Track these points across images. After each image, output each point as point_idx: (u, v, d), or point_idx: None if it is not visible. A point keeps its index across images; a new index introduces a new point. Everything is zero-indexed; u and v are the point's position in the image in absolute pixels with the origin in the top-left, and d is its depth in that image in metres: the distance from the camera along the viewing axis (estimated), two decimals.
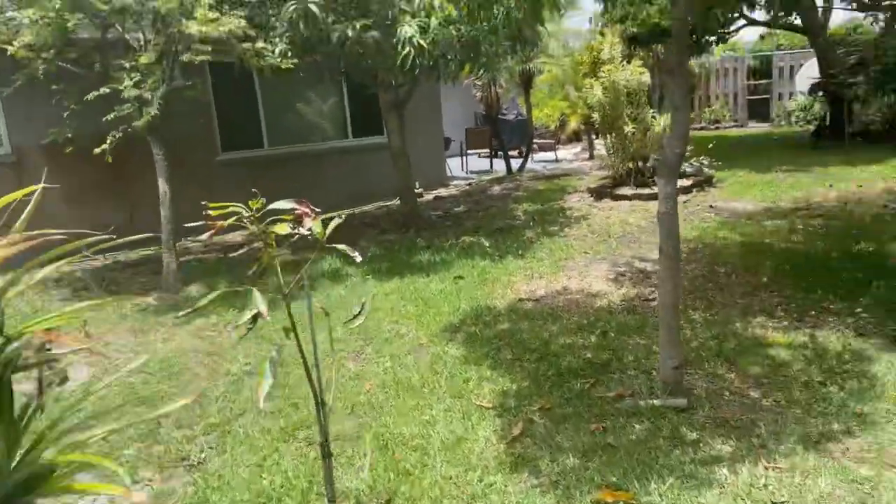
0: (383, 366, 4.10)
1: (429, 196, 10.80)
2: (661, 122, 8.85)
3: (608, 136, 9.37)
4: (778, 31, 19.65)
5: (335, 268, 6.51)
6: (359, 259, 2.01)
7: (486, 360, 4.01)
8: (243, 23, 5.68)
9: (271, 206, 2.01)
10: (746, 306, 4.63)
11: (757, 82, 19.90)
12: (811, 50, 15.78)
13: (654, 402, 3.27)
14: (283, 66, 6.08)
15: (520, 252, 6.63)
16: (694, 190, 9.01)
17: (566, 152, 16.11)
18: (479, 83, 13.09)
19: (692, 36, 14.01)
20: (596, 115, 9.32)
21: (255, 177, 9.71)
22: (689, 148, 9.70)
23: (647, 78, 9.14)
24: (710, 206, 8.06)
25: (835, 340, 3.88)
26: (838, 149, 12.07)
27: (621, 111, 8.92)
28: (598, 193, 9.27)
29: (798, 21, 14.13)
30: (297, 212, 1.99)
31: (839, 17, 19.11)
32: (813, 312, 4.39)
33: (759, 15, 14.48)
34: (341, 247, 2.02)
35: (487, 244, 7.08)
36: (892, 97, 11.92)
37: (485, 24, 6.77)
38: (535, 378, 3.71)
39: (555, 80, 14.72)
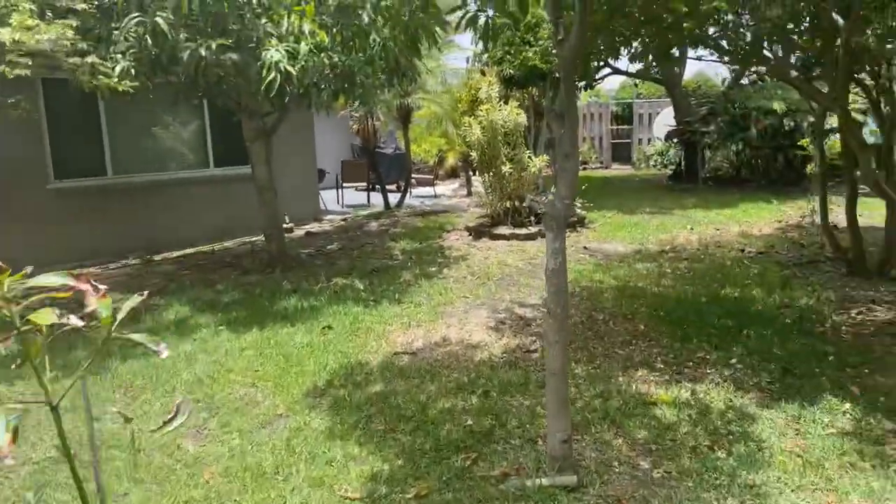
0: (230, 445, 3.43)
1: (300, 231, 10.11)
2: (538, 162, 8.90)
3: (486, 174, 9.28)
4: (638, 81, 21.17)
5: (182, 317, 5.69)
6: (164, 355, 1.44)
7: (354, 433, 3.48)
8: (70, 33, 4.83)
9: (33, 282, 1.40)
10: (627, 357, 4.49)
11: (620, 127, 21.22)
12: (668, 99, 17.06)
13: (543, 480, 2.92)
14: (119, 88, 5.25)
15: (396, 296, 6.19)
16: (567, 230, 9.10)
17: (444, 188, 16.05)
18: (356, 115, 12.69)
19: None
20: (474, 154, 9.21)
21: (96, 208, 8.59)
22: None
23: (523, 119, 9.19)
24: (585, 248, 8.13)
25: (716, 396, 3.78)
26: (693, 192, 12.95)
27: (499, 150, 8.87)
28: (477, 232, 9.11)
29: (657, 74, 15.18)
30: (74, 287, 1.40)
31: (691, 71, 20.94)
32: (691, 363, 4.32)
33: (622, 65, 15.40)
34: (137, 337, 1.45)
35: (362, 287, 6.57)
36: (739, 145, 13.03)
37: (360, 54, 6.40)
38: (411, 454, 3.24)
39: (433, 117, 14.64)
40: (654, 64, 12.68)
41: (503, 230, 8.91)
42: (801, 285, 5.95)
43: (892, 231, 5.95)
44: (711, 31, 6.07)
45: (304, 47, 5.77)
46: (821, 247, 7.47)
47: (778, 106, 11.19)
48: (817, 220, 9.08)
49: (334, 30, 6.03)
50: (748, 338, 4.67)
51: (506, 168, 8.84)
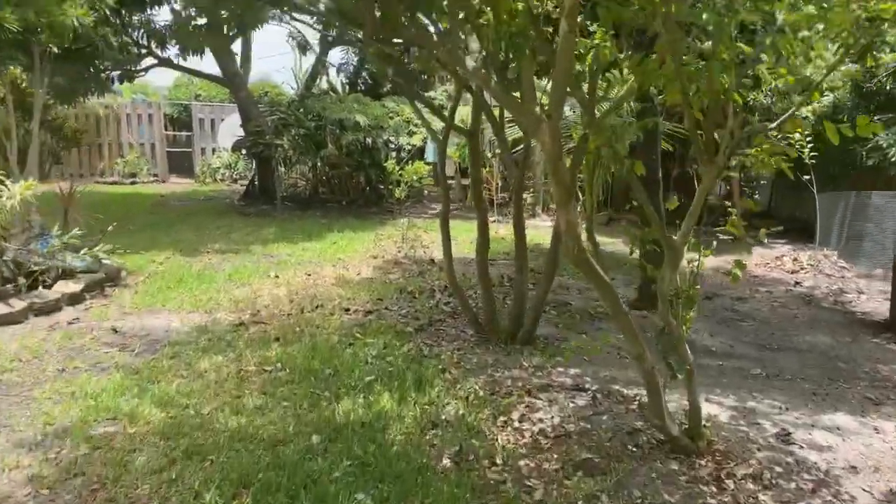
0: None
1: None
2: (17, 191, 5.27)
3: None
4: (195, 80, 18.10)
5: None
6: None
7: None
8: None
9: None
10: None
11: (177, 133, 17.80)
12: (233, 104, 14.60)
13: None
14: None
15: None
16: (88, 298, 5.72)
17: None
18: None
19: (91, 68, 10.62)
20: None
21: None
22: (78, 230, 6.35)
23: None
24: (114, 330, 4.99)
25: None
26: (270, 217, 10.82)
27: None
28: None
29: (217, 71, 12.53)
30: None
31: (258, 73, 18.87)
32: None
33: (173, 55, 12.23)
34: None
35: None
36: (316, 159, 11.46)
37: None
38: None
39: None
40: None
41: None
42: (435, 370, 4.23)
43: (521, 284, 4.74)
44: None
45: None
46: (431, 296, 6.11)
47: (361, 119, 9.90)
48: (414, 252, 7.96)
49: None
50: None
51: None
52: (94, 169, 16.34)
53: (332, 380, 4.04)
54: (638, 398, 3.85)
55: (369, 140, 11.60)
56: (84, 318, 5.27)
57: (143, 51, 11.64)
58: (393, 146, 12.55)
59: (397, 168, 9.12)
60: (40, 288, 5.43)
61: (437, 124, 6.02)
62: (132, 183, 15.82)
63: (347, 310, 5.63)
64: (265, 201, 12.06)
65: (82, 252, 5.90)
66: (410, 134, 10.17)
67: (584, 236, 3.25)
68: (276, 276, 6.74)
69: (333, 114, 10.12)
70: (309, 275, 6.88)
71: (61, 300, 5.42)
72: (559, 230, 4.48)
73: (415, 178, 8.75)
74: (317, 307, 5.66)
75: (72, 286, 5.60)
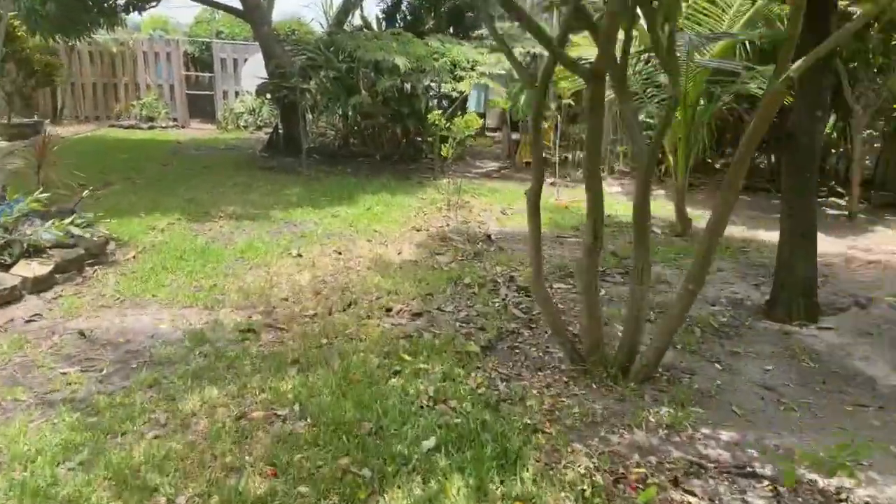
0: None
1: None
2: None
3: None
4: (217, 14, 16.55)
5: None
6: None
7: None
8: None
9: None
10: None
11: (198, 74, 16.39)
12: (256, 44, 13.10)
13: None
14: None
15: None
16: (60, 282, 4.47)
17: None
18: None
19: None
20: None
21: None
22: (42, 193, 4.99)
23: None
24: (82, 334, 3.75)
25: None
26: (295, 172, 9.46)
27: None
28: None
29: (237, 3, 10.99)
30: None
31: (285, 10, 17.20)
32: None
33: None
34: None
35: None
36: (346, 107, 9.97)
37: None
38: None
39: None
40: None
41: None
42: (523, 430, 2.88)
43: (640, 298, 3.32)
44: None
45: None
46: (494, 292, 4.74)
47: (401, 62, 8.32)
48: (466, 226, 6.56)
49: None
50: None
51: None
52: (111, 111, 15.12)
53: (373, 442, 2.73)
54: (844, 495, 2.48)
55: (408, 86, 10.05)
56: (48, 312, 4.03)
57: None
58: (433, 93, 10.99)
59: (443, 120, 7.63)
60: None
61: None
62: (150, 128, 14.56)
63: (389, 310, 4.29)
64: (289, 153, 10.68)
65: (51, 222, 4.63)
66: (458, 79, 8.62)
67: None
68: (299, 255, 5.42)
69: (368, 53, 8.54)
70: (339, 253, 5.55)
71: (22, 286, 4.19)
72: (721, 215, 3.05)
73: (466, 132, 7.25)
74: (349, 305, 4.34)
75: (37, 267, 4.36)
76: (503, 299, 4.56)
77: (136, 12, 10.56)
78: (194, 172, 9.07)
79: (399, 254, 5.64)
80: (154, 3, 10.72)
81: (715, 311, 4.52)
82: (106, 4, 9.63)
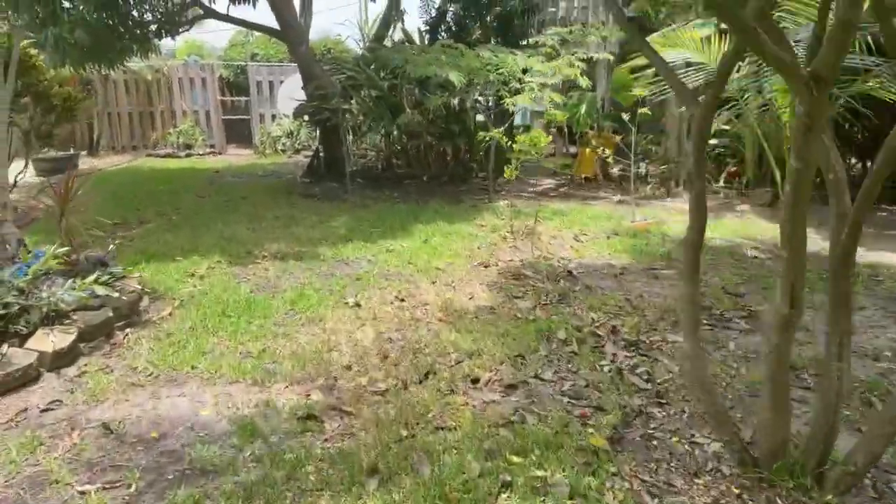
0: None
1: None
2: None
3: None
4: (251, 37, 16.19)
5: None
6: None
7: None
8: None
9: None
10: None
11: (234, 98, 16.02)
12: (293, 65, 12.59)
13: None
14: None
15: None
16: (86, 353, 3.79)
17: None
18: None
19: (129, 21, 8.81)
20: None
21: None
22: (61, 247, 4.27)
23: None
24: (107, 428, 3.03)
25: None
26: (339, 199, 8.78)
27: None
28: None
29: (275, 23, 10.44)
30: None
31: (316, 29, 16.79)
32: None
33: (221, 7, 10.24)
34: None
35: None
36: (391, 127, 9.29)
37: None
38: None
39: None
40: None
41: None
42: None
43: (838, 369, 2.44)
44: None
45: None
46: (599, 351, 3.90)
47: (455, 77, 7.55)
48: (540, 259, 5.74)
49: None
50: None
51: None
52: (148, 140, 14.82)
53: None
54: None
55: (455, 101, 9.32)
56: (69, 397, 3.34)
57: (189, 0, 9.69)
58: (482, 106, 10.23)
59: (504, 138, 6.83)
60: (5, 346, 3.52)
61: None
62: (187, 155, 14.19)
63: (476, 381, 3.49)
64: (332, 177, 10.04)
65: (72, 281, 3.97)
66: (514, 92, 7.82)
67: None
68: (357, 305, 4.67)
69: (418, 69, 7.79)
70: (402, 300, 4.78)
71: (39, 363, 3.52)
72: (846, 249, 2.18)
73: (532, 151, 6.43)
74: (426, 375, 3.54)
75: (58, 338, 3.69)
76: (612, 360, 3.71)
77: (170, 37, 10.09)
78: (233, 204, 8.47)
79: (471, 298, 4.84)
80: (187, 28, 10.24)
81: (884, 368, 3.59)
82: (138, 31, 9.18)
